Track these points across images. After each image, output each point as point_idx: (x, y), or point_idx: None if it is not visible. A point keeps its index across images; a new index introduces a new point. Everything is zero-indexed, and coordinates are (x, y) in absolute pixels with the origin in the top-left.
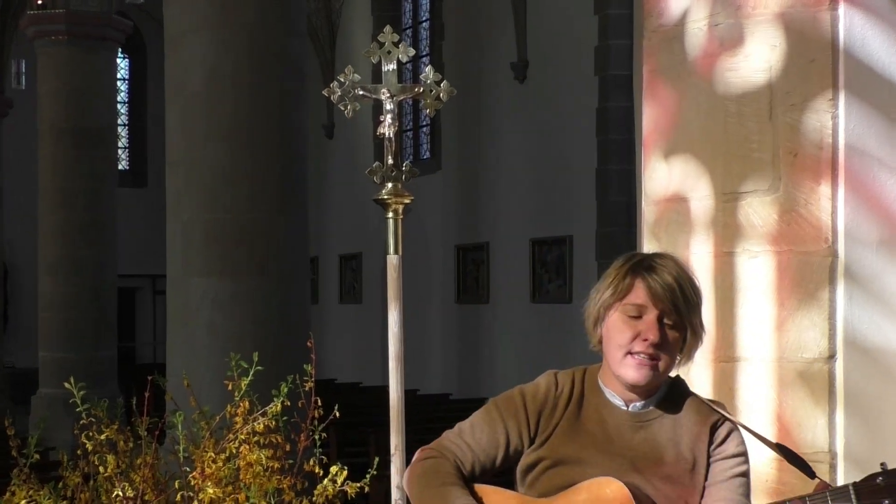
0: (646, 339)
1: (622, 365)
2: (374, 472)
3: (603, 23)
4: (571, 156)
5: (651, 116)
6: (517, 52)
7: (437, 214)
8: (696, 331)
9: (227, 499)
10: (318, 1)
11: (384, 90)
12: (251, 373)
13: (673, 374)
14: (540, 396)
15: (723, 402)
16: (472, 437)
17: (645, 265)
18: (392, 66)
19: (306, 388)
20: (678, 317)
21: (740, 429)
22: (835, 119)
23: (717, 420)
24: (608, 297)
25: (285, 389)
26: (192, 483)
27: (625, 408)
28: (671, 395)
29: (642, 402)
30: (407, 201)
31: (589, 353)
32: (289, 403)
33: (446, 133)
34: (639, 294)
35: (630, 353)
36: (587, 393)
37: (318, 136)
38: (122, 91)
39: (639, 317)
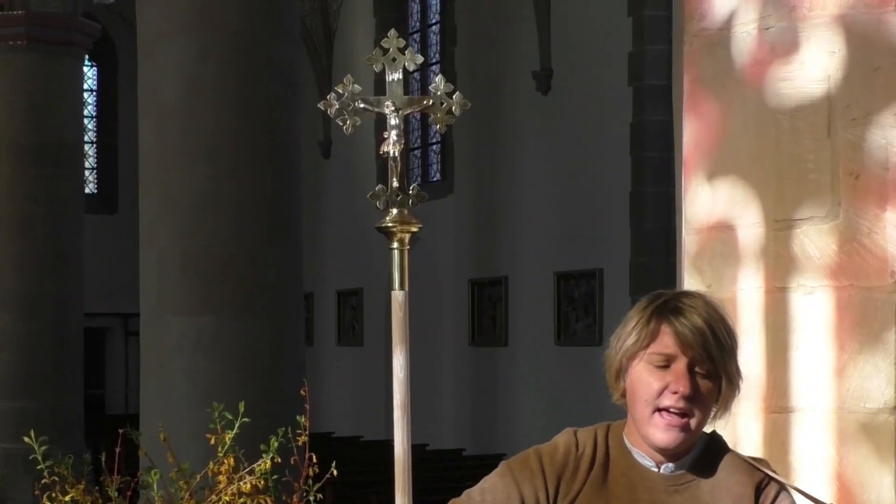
0: (675, 392)
1: (649, 424)
2: None
3: (637, 26)
4: (602, 177)
5: (692, 132)
6: (540, 60)
7: (449, 244)
8: (733, 379)
9: None
10: (313, 1)
11: (388, 103)
12: (237, 425)
13: (708, 429)
14: (559, 458)
15: (767, 461)
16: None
17: (671, 307)
18: (397, 76)
19: (299, 443)
20: (711, 364)
21: (790, 490)
22: None
23: (762, 480)
24: (631, 346)
25: (275, 444)
26: None
27: (656, 469)
28: (708, 454)
29: (675, 462)
30: (414, 229)
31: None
32: (279, 460)
33: (459, 152)
34: (665, 341)
35: (658, 409)
36: (612, 453)
37: (313, 156)
38: (89, 103)
39: (666, 366)
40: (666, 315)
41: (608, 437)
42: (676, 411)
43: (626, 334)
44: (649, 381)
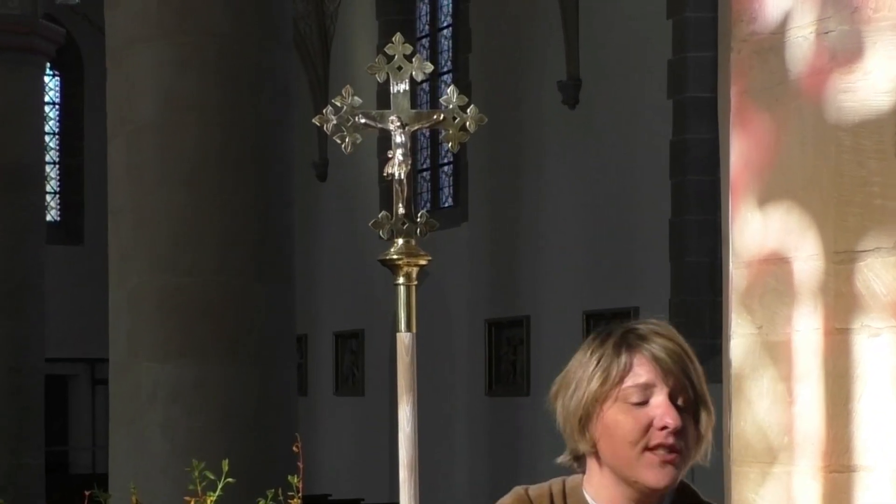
0: (663, 428)
1: (641, 465)
2: None
3: (678, 29)
4: (638, 203)
5: (741, 151)
6: (567, 68)
7: (463, 279)
8: (710, 408)
9: None
10: (307, 2)
11: (393, 118)
12: (220, 486)
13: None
14: None
15: None
16: None
17: (636, 335)
18: (403, 87)
19: None
20: (692, 392)
21: None
22: None
23: None
24: (598, 388)
25: None
26: None
27: None
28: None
29: None
30: (423, 262)
31: None
32: None
33: (475, 174)
34: (642, 372)
35: (647, 448)
36: None
37: (307, 178)
38: (51, 119)
39: (645, 402)
40: (635, 344)
41: (565, 492)
42: (665, 449)
43: (588, 377)
44: (630, 422)
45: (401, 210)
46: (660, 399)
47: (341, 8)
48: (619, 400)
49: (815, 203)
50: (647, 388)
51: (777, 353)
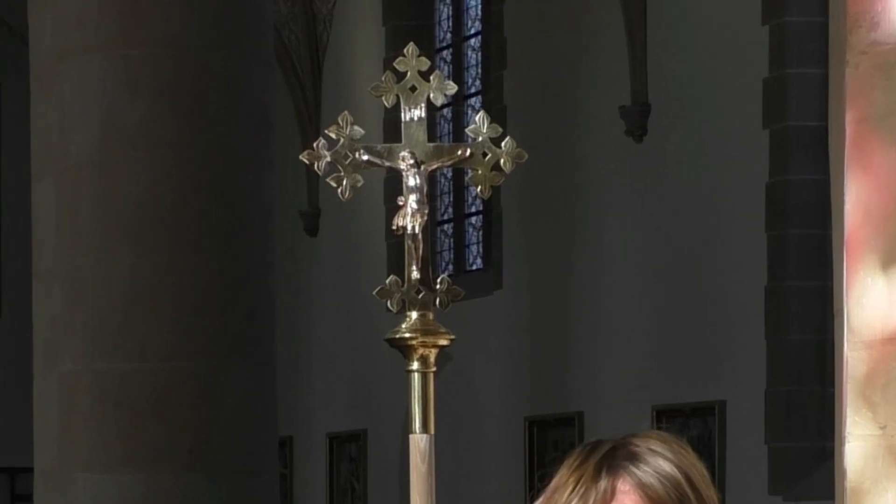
0: None
1: None
2: None
3: (777, 38)
4: (724, 264)
5: (859, 196)
6: (631, 90)
7: (496, 365)
8: None
9: None
10: (293, 3)
11: (405, 154)
12: None
13: None
14: None
15: None
16: None
17: (623, 454)
18: (418, 113)
19: None
20: None
21: None
22: None
23: None
24: None
25: None
26: None
27: None
28: None
29: None
30: (444, 343)
31: None
32: None
33: (511, 227)
34: (626, 502)
35: None
36: None
37: (294, 231)
38: None
39: None
40: (620, 465)
41: None
42: None
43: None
44: None
45: (414, 274)
46: None
47: (337, 10)
48: None
49: None
50: None
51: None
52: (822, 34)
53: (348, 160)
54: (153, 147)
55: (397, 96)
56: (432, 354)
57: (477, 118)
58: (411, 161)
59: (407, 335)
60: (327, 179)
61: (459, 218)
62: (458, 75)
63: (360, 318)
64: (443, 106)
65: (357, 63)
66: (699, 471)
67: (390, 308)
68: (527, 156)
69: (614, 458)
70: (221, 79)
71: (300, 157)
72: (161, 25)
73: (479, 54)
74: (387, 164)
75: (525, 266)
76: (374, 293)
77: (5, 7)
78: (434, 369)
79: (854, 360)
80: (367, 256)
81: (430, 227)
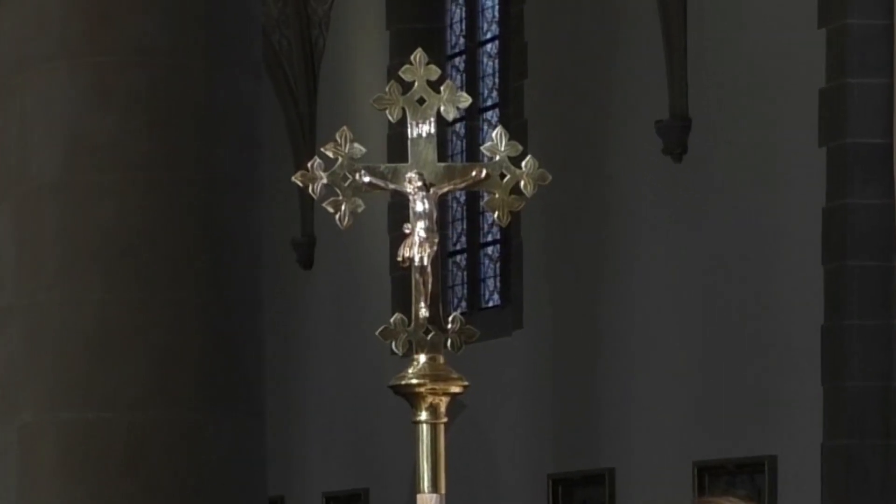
0: None
1: None
2: None
3: (836, 43)
4: (775, 301)
5: None
6: (670, 103)
7: (515, 415)
8: None
9: None
10: (286, 4)
11: (412, 175)
12: None
13: None
14: None
15: None
16: None
17: None
18: (427, 129)
19: None
20: None
21: None
22: None
23: None
24: None
25: None
26: None
27: None
28: None
29: None
30: (456, 390)
31: None
32: None
33: (532, 258)
34: None
35: None
36: None
37: (286, 265)
38: None
39: None
40: None
41: None
42: None
43: None
44: None
45: (423, 312)
46: None
47: (335, 11)
48: None
49: None
50: None
51: None
52: (886, 38)
53: (347, 182)
54: (125, 168)
55: (403, 109)
56: (443, 403)
57: (494, 134)
58: (419, 183)
59: (414, 381)
60: (324, 204)
61: (474, 248)
62: (472, 85)
63: (361, 362)
64: (455, 120)
65: (357, 72)
66: None
67: (395, 351)
68: (550, 177)
69: None
70: (202, 90)
71: (292, 178)
72: (134, 30)
73: (497, 61)
74: (391, 186)
75: (548, 303)
76: (376, 334)
77: None
78: (445, 420)
79: None
80: (368, 292)
81: (441, 258)
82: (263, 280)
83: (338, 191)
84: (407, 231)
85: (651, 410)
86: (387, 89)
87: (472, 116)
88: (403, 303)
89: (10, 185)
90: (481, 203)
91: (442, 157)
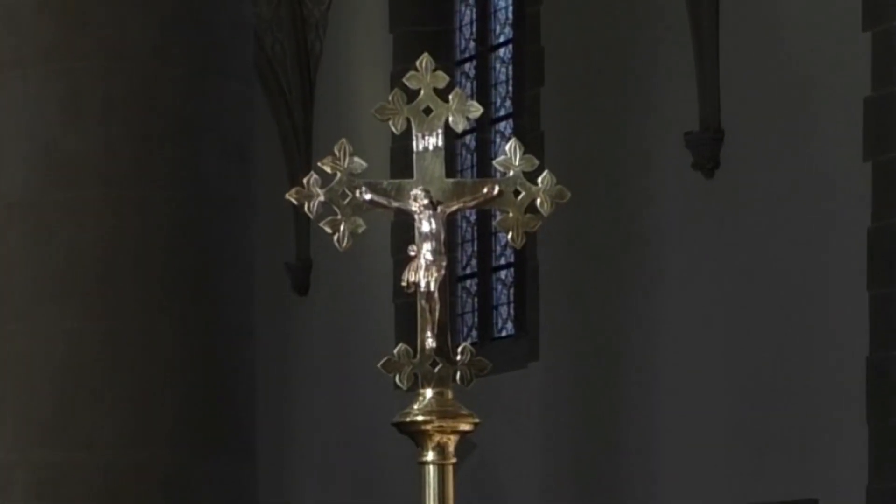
0: None
1: None
2: None
3: (881, 48)
4: (816, 330)
5: None
6: (700, 113)
7: (530, 455)
8: None
9: None
10: (279, 4)
11: (418, 192)
12: None
13: None
14: None
15: None
16: None
17: None
18: (434, 141)
19: None
20: None
21: None
22: None
23: None
24: None
25: None
26: None
27: None
28: None
29: None
30: (466, 428)
31: None
32: None
33: (549, 283)
34: None
35: None
36: None
37: (279, 289)
38: None
39: None
40: None
41: None
42: None
43: None
44: None
45: (429, 342)
46: None
47: (332, 13)
48: None
49: None
50: None
51: None
52: None
53: (347, 200)
54: (101, 184)
55: (408, 120)
56: (451, 442)
57: (507, 147)
58: (425, 201)
59: (420, 418)
60: (321, 224)
61: (485, 272)
62: (483, 94)
63: (362, 397)
64: (465, 132)
65: (357, 79)
66: None
67: (399, 385)
68: (569, 195)
69: None
70: (186, 99)
71: (287, 196)
72: (110, 33)
73: (510, 67)
74: (395, 204)
75: (566, 333)
76: (378, 366)
77: None
78: (454, 461)
79: None
80: (369, 320)
81: (449, 283)
82: (254, 307)
83: (336, 209)
84: (412, 253)
85: (679, 451)
86: (390, 98)
87: (483, 128)
88: (408, 332)
89: None
90: (493, 223)
91: (450, 172)
